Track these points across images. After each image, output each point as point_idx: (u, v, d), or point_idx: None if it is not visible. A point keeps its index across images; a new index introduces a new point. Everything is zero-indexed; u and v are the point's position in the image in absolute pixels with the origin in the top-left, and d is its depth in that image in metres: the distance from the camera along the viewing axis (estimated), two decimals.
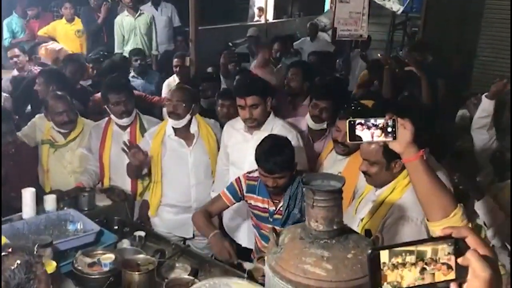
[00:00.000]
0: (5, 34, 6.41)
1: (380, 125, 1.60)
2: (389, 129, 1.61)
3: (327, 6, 12.00)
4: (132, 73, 5.31)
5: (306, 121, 3.29)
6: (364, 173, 2.26)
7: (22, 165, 3.20)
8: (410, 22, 9.80)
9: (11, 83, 4.83)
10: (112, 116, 3.38)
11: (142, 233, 2.81)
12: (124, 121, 3.36)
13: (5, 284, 1.25)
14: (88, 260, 2.42)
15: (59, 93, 3.48)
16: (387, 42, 9.83)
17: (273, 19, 11.54)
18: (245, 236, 3.10)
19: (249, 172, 2.76)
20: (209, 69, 5.28)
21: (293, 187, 2.61)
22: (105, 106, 3.41)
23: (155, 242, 2.82)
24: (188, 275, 2.39)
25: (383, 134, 1.61)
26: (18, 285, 1.28)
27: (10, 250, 1.34)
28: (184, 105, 3.10)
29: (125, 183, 3.41)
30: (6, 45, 6.12)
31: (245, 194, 2.75)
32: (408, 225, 2.09)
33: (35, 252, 1.39)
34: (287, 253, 1.49)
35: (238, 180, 2.77)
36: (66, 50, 5.45)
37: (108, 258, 2.38)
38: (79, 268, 2.34)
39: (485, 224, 2.41)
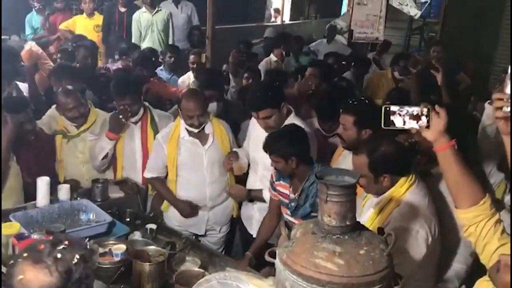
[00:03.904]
0: (27, 31, 6.54)
1: (414, 113, 1.66)
2: (423, 118, 1.67)
3: (344, 9, 11.96)
4: (161, 67, 5.36)
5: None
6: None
7: (41, 153, 3.24)
8: (427, 27, 9.74)
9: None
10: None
11: (154, 226, 2.83)
12: (131, 119, 3.38)
13: (67, 277, 1.26)
14: (100, 250, 2.44)
15: (69, 87, 3.48)
16: (404, 46, 9.78)
17: (290, 20, 11.54)
18: (255, 228, 3.12)
19: None
20: (224, 67, 5.30)
21: (309, 181, 2.64)
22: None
23: (166, 235, 2.84)
24: (198, 268, 2.40)
25: (416, 122, 1.67)
26: (79, 279, 1.28)
27: (67, 243, 1.34)
28: (203, 114, 3.11)
29: (137, 176, 3.44)
30: (29, 41, 6.23)
31: (275, 182, 2.85)
32: (404, 236, 2.09)
33: (88, 246, 1.39)
34: (298, 247, 1.48)
35: (271, 174, 2.89)
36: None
37: (119, 248, 2.41)
38: None
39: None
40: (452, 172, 1.72)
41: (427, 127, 1.68)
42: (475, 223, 1.74)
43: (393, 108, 1.67)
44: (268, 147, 2.67)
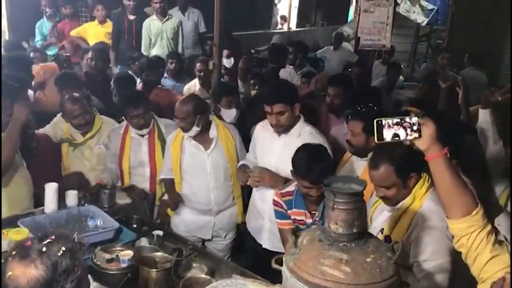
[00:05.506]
0: (37, 37, 6.63)
1: (405, 124, 1.65)
2: (414, 127, 1.65)
3: (350, 16, 11.99)
4: (165, 75, 5.41)
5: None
6: (382, 198, 2.24)
7: (47, 160, 3.26)
8: (434, 34, 9.74)
9: None
10: (130, 127, 3.41)
11: (160, 232, 2.83)
12: (143, 131, 3.39)
13: (53, 269, 1.28)
14: (107, 256, 2.46)
15: (75, 95, 3.49)
16: (411, 53, 9.79)
17: (296, 27, 11.57)
18: (266, 237, 3.10)
19: (281, 189, 2.81)
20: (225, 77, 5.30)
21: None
22: (123, 117, 3.44)
23: (173, 242, 2.84)
24: (205, 275, 2.40)
25: (408, 132, 1.65)
26: (65, 271, 1.30)
27: (53, 237, 1.37)
28: (187, 120, 3.09)
29: (145, 185, 3.45)
30: (38, 47, 6.29)
31: (287, 210, 2.76)
32: (433, 233, 2.08)
33: (76, 240, 1.41)
34: (305, 255, 1.48)
35: (275, 202, 2.80)
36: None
37: (126, 254, 2.41)
38: (98, 263, 2.38)
39: (506, 239, 2.37)
40: (444, 182, 1.69)
41: (419, 136, 1.66)
42: (467, 234, 1.71)
43: (385, 120, 1.65)
44: (315, 179, 2.47)
